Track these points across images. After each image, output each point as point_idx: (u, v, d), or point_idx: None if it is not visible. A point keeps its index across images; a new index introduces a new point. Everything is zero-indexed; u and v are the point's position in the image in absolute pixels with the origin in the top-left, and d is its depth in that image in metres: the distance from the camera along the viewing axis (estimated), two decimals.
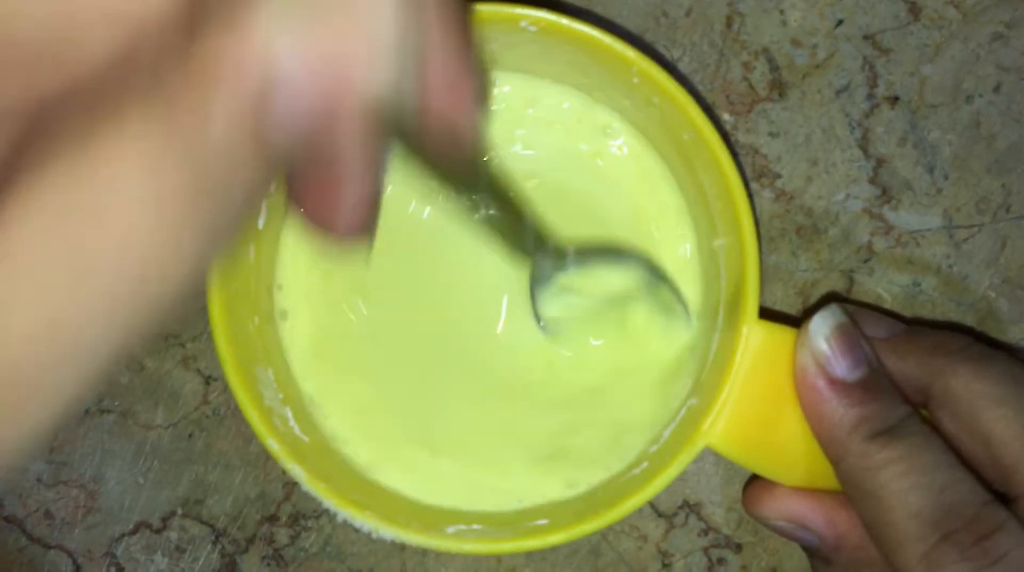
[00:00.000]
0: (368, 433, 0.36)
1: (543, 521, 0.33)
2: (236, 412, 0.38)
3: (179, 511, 0.38)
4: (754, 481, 0.35)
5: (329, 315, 0.36)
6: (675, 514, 0.38)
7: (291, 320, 0.36)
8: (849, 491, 0.30)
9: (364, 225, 0.23)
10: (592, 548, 0.38)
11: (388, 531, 0.32)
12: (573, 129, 0.36)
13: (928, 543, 0.28)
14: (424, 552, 0.38)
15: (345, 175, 0.21)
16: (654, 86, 0.32)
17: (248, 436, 0.38)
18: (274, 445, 0.32)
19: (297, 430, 0.34)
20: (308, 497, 0.38)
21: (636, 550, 0.38)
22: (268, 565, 0.38)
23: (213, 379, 0.38)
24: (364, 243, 0.24)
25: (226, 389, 0.38)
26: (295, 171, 0.22)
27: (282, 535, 0.38)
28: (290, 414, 0.34)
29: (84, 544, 0.38)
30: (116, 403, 0.38)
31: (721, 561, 0.38)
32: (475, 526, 0.34)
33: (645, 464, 0.34)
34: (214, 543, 0.38)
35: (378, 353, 0.36)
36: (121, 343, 0.17)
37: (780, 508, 0.33)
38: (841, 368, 0.31)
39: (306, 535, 0.38)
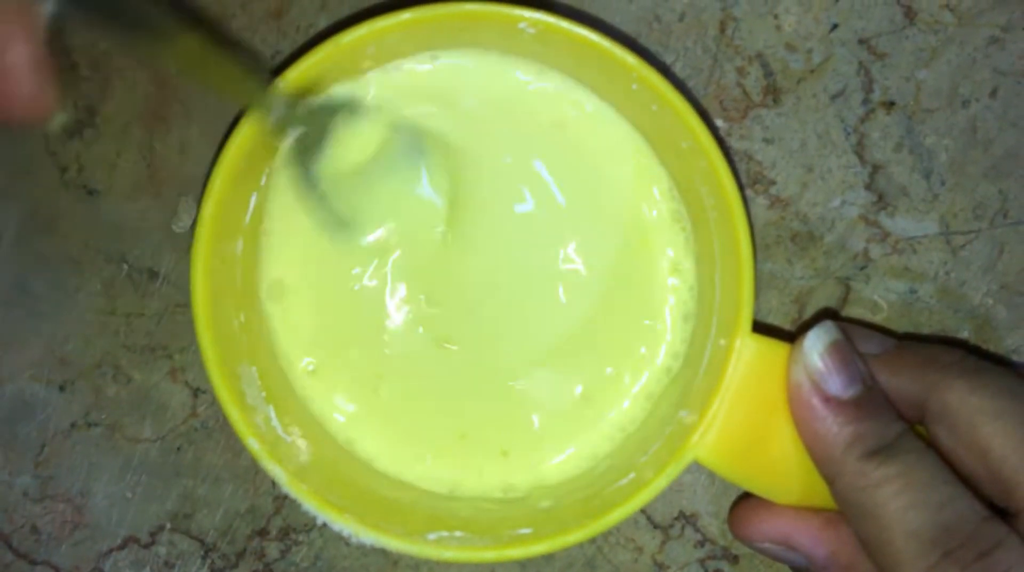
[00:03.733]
0: (364, 416, 0.36)
1: (527, 530, 0.33)
2: (225, 425, 0.38)
3: (168, 526, 0.38)
4: (739, 503, 0.35)
5: (323, 297, 0.36)
6: (671, 525, 0.37)
7: (284, 304, 0.35)
8: (845, 510, 0.30)
9: (41, 102, 0.22)
10: (587, 560, 0.37)
11: (369, 536, 0.32)
12: (572, 127, 0.35)
13: (928, 561, 0.27)
14: (417, 566, 0.38)
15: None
16: (653, 93, 0.32)
17: (237, 449, 0.38)
18: (255, 444, 0.32)
19: (279, 430, 0.34)
20: (298, 511, 0.37)
21: (632, 562, 0.37)
22: None
23: (201, 391, 0.38)
24: (46, 111, 0.23)
25: (214, 402, 0.37)
26: None
27: (272, 549, 0.38)
28: (273, 413, 0.34)
29: (71, 560, 0.38)
30: (103, 416, 0.38)
31: None
32: (457, 533, 0.33)
33: (633, 475, 0.33)
34: (203, 558, 0.38)
35: (372, 335, 0.36)
36: None
37: (766, 529, 0.33)
38: (835, 385, 0.30)
39: (297, 549, 0.38)
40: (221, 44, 0.29)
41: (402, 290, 0.36)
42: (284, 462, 0.33)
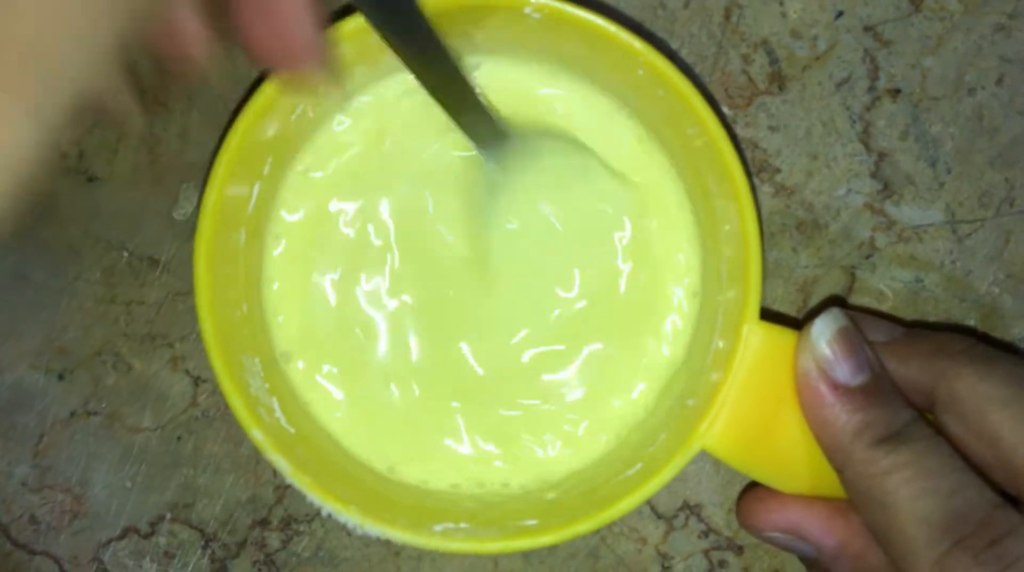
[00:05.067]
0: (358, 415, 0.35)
1: (532, 521, 0.33)
2: (226, 414, 0.37)
3: (168, 515, 0.37)
4: (746, 493, 0.35)
5: (318, 300, 0.35)
6: (675, 516, 0.37)
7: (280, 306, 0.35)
8: (855, 498, 0.30)
9: (315, 49, 0.23)
10: (591, 551, 0.37)
11: (374, 527, 0.32)
12: (573, 119, 0.35)
13: (940, 549, 0.27)
14: (419, 556, 0.37)
15: None
16: (660, 79, 0.31)
17: (238, 438, 0.37)
18: (258, 435, 0.32)
19: (283, 421, 0.33)
20: (300, 501, 0.37)
21: (635, 552, 0.37)
22: (259, 570, 0.37)
23: (202, 380, 0.37)
24: (322, 74, 0.24)
25: (216, 391, 0.37)
26: None
27: (274, 539, 0.37)
28: (276, 405, 0.33)
29: (70, 550, 0.37)
30: (103, 405, 0.37)
31: (722, 563, 0.37)
32: (463, 524, 0.33)
33: (640, 465, 0.33)
34: (204, 548, 0.37)
35: (366, 338, 0.36)
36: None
37: (775, 518, 0.33)
38: (844, 372, 0.30)
39: (298, 539, 0.37)
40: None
41: (405, 296, 0.35)
42: (288, 453, 0.32)
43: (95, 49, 0.18)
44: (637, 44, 0.31)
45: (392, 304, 0.35)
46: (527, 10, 0.31)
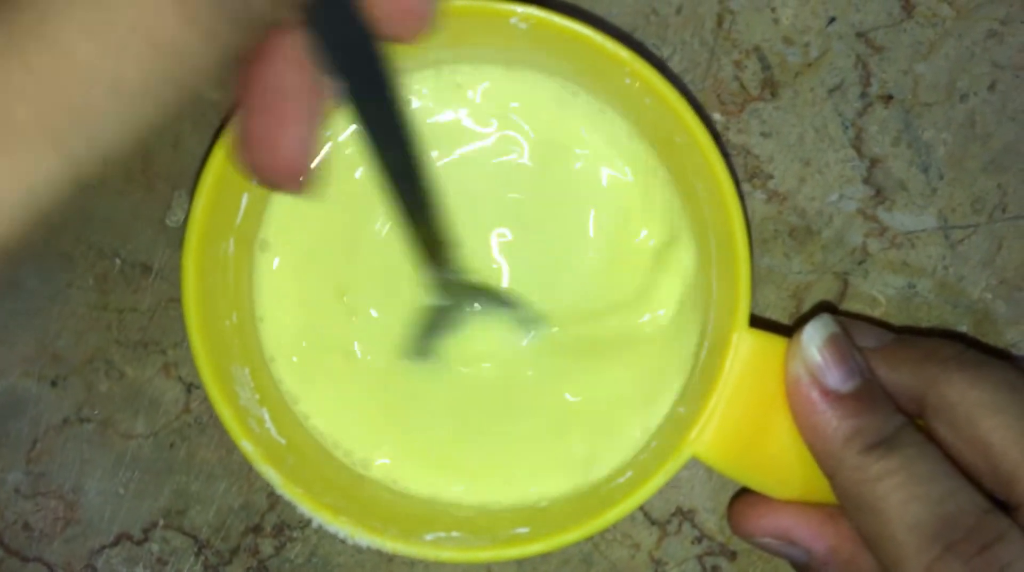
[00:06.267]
0: (349, 425, 0.35)
1: (524, 529, 0.33)
2: (218, 420, 0.37)
3: (161, 522, 0.37)
4: (737, 499, 0.35)
5: (309, 309, 0.35)
6: (668, 521, 0.37)
7: (269, 316, 0.35)
8: (846, 504, 0.30)
9: (303, 169, 0.23)
10: (584, 557, 0.37)
11: (364, 537, 0.32)
12: (562, 123, 0.35)
13: (930, 555, 0.27)
14: (412, 564, 0.37)
15: (286, 111, 0.22)
16: (647, 87, 0.31)
17: (231, 445, 0.37)
18: (248, 447, 0.32)
19: (274, 432, 0.33)
20: (293, 507, 0.37)
21: (629, 559, 0.37)
22: None
23: (195, 387, 0.37)
24: (305, 191, 0.24)
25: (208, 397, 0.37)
26: (240, 103, 0.23)
27: (267, 546, 0.37)
28: (267, 415, 0.33)
29: (63, 557, 0.37)
30: (96, 412, 0.37)
31: (715, 569, 0.37)
32: (454, 533, 0.33)
33: (630, 473, 0.33)
34: (197, 555, 0.37)
35: (360, 347, 0.35)
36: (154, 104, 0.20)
37: (766, 524, 0.33)
38: (834, 379, 0.30)
39: (291, 546, 0.37)
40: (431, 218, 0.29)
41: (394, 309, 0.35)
42: (278, 464, 0.32)
43: (136, 120, 0.20)
44: (623, 53, 0.31)
45: (378, 313, 0.35)
46: (513, 20, 0.31)
